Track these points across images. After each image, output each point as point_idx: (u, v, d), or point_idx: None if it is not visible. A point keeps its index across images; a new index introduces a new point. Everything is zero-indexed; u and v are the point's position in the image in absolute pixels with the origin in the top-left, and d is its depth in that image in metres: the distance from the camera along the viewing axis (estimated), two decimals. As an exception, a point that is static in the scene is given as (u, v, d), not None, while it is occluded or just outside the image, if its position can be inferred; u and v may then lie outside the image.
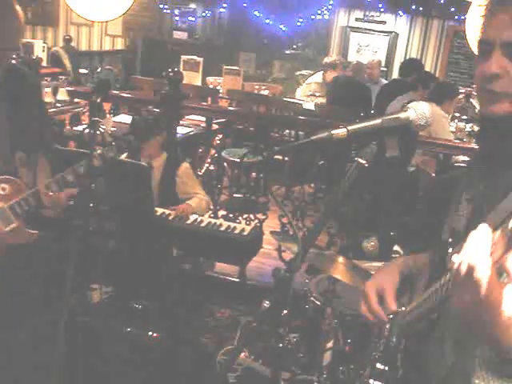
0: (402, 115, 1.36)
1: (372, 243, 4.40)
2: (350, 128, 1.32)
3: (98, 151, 2.43)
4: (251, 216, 5.01)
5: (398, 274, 1.65)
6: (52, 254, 3.73)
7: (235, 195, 5.45)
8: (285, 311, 1.31)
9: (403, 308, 1.56)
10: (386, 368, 1.52)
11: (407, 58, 11.43)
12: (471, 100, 7.51)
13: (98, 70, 10.39)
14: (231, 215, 5.03)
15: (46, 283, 3.16)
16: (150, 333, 3.45)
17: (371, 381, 1.54)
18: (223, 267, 4.64)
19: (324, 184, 5.25)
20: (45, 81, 5.08)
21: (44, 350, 2.67)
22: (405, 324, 1.53)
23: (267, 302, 1.29)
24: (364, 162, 1.34)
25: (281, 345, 1.51)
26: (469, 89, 7.73)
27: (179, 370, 3.59)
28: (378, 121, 1.35)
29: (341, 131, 1.32)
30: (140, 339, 3.45)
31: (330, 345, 3.10)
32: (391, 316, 1.59)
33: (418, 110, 1.37)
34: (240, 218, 4.98)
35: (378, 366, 1.56)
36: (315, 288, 3.27)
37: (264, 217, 4.95)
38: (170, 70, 4.33)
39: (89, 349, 3.35)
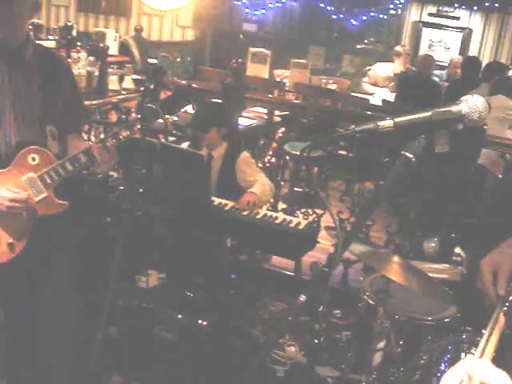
0: (454, 108, 1.29)
1: (433, 244, 4.28)
2: (396, 120, 1.26)
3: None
4: (309, 211, 4.95)
5: None
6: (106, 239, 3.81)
7: (295, 189, 5.41)
8: (321, 307, 1.26)
9: None
10: None
11: (481, 55, 11.05)
12: None
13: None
14: (290, 209, 4.99)
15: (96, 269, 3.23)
16: (200, 321, 3.47)
17: None
18: (279, 261, 4.60)
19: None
20: (111, 69, 5.18)
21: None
22: None
23: (303, 297, 1.25)
24: (411, 156, 1.27)
25: (316, 341, 1.46)
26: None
27: (228, 360, 3.59)
28: (428, 113, 1.28)
29: (387, 123, 1.27)
30: (190, 327, 3.47)
31: (381, 345, 3.03)
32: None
33: (471, 104, 1.29)
34: (298, 212, 4.93)
35: None
36: (369, 286, 3.20)
37: (322, 212, 4.88)
38: (234, 61, 4.34)
39: (139, 333, 3.41)
